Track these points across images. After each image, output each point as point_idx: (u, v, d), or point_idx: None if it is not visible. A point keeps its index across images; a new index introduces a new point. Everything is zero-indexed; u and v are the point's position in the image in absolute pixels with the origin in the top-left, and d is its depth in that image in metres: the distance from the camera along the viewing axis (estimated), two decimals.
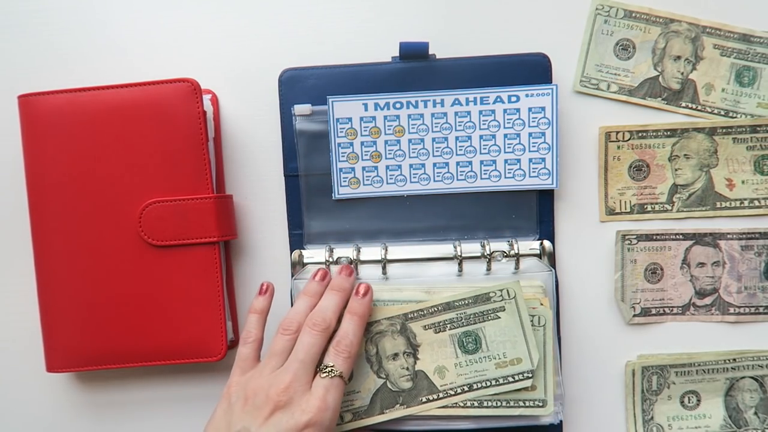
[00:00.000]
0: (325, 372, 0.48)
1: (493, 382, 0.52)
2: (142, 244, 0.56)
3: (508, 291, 0.53)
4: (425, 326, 0.53)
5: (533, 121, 0.56)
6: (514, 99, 0.56)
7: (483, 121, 0.56)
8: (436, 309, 0.53)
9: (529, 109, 0.56)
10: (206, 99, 0.57)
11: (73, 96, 0.56)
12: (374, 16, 0.59)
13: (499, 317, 0.53)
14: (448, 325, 0.53)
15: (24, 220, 0.57)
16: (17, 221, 0.60)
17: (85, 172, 0.56)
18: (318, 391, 0.47)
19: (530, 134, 0.56)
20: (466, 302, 0.53)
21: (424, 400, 0.52)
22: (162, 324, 0.56)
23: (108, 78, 0.58)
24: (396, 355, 0.53)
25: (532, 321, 0.53)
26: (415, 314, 0.53)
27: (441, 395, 0.52)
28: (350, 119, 0.57)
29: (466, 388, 0.52)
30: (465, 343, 0.53)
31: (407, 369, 0.53)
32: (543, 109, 0.56)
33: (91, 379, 0.61)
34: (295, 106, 0.57)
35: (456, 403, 0.53)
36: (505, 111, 0.56)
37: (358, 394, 0.52)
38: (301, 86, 0.58)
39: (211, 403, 0.60)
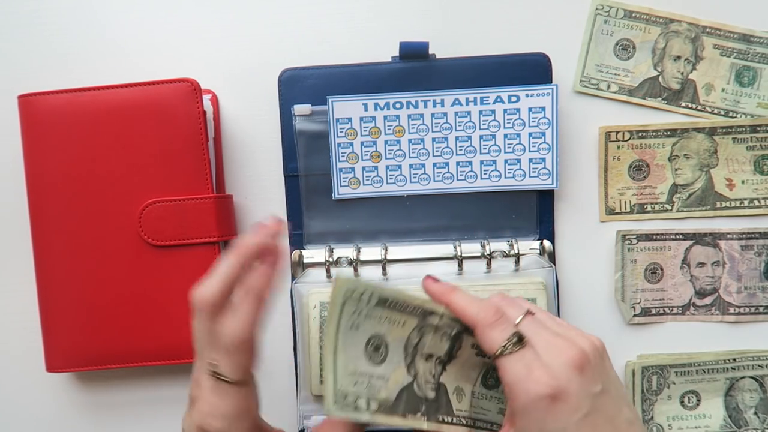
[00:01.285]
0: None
1: (490, 426, 0.48)
2: (142, 244, 0.56)
3: None
4: (473, 345, 0.47)
5: (533, 121, 0.56)
6: (514, 99, 0.56)
7: (483, 121, 0.56)
8: None
9: (529, 109, 0.56)
10: (206, 99, 0.57)
11: (73, 96, 0.56)
12: (374, 16, 0.59)
13: None
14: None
15: (24, 220, 0.57)
16: (17, 221, 0.60)
17: (85, 172, 0.56)
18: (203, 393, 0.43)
19: (530, 134, 0.56)
20: None
21: (440, 418, 0.46)
22: (162, 324, 0.56)
23: (108, 78, 0.58)
24: (430, 356, 0.46)
25: None
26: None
27: (454, 420, 0.47)
28: (350, 119, 0.57)
29: (470, 422, 0.47)
30: (488, 377, 0.47)
31: (433, 377, 0.47)
32: (543, 109, 0.56)
33: (91, 379, 0.61)
34: (295, 106, 0.57)
35: None
36: (505, 111, 0.56)
37: (385, 383, 0.45)
38: (301, 86, 0.58)
39: None
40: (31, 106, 0.56)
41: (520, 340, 0.40)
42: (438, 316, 0.44)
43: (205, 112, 0.56)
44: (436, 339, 0.45)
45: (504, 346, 0.39)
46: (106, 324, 0.56)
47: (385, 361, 0.44)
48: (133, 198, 0.56)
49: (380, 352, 0.43)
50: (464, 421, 0.46)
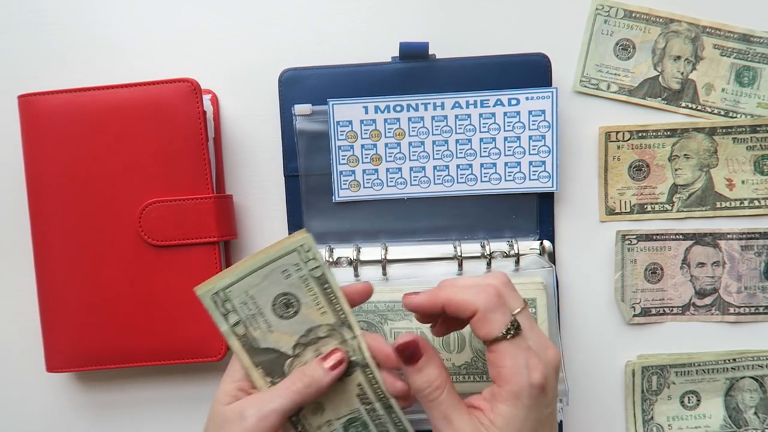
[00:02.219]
0: None
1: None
2: (142, 244, 0.56)
3: None
4: (359, 384, 0.46)
5: (533, 124, 0.56)
6: (514, 102, 0.56)
7: (483, 123, 0.56)
8: None
9: (530, 112, 0.56)
10: (206, 99, 0.57)
11: (73, 96, 0.56)
12: (374, 16, 0.59)
13: None
14: None
15: (24, 220, 0.57)
16: (17, 221, 0.60)
17: (85, 172, 0.56)
18: None
19: (530, 137, 0.56)
20: None
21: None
22: (162, 324, 0.56)
23: (108, 78, 0.58)
24: (320, 355, 0.46)
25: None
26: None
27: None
28: (350, 122, 0.57)
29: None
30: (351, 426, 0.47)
31: None
32: (543, 112, 0.56)
33: (91, 379, 0.61)
34: (296, 106, 0.57)
35: None
36: (505, 114, 0.56)
37: (268, 331, 0.45)
38: (301, 86, 0.58)
39: (210, 403, 0.61)
40: (31, 106, 0.56)
41: (517, 328, 0.41)
42: (352, 335, 0.45)
43: (205, 112, 0.56)
44: (336, 343, 0.46)
45: (508, 330, 0.40)
46: (106, 324, 0.56)
47: (285, 320, 0.45)
48: (133, 198, 0.56)
49: (288, 311, 0.45)
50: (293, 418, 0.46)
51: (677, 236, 0.59)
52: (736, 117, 0.58)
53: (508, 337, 0.40)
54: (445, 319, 0.46)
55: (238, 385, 0.44)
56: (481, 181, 0.57)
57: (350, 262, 0.56)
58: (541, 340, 0.42)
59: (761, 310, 0.59)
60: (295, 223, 0.58)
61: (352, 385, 0.45)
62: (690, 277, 0.59)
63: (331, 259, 0.57)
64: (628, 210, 0.59)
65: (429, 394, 0.41)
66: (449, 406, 0.41)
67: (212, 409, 0.44)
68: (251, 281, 0.43)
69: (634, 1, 0.58)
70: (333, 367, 0.43)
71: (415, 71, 0.57)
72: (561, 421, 0.56)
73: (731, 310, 0.59)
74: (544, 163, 0.57)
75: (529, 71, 0.56)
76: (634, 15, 0.58)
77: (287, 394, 0.42)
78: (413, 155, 0.57)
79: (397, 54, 0.57)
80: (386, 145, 0.57)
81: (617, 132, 0.58)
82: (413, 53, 0.57)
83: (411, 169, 0.57)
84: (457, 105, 0.56)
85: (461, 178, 0.57)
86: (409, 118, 0.57)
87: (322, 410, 0.46)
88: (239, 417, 0.42)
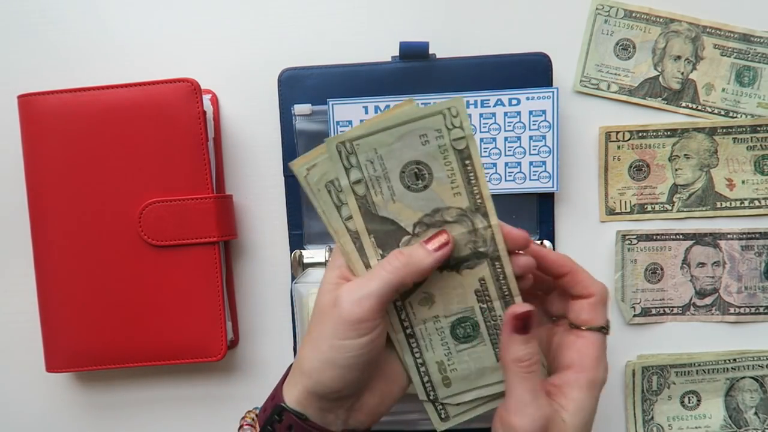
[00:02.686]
0: None
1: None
2: (142, 244, 0.56)
3: None
4: (481, 279, 0.42)
5: (534, 125, 0.56)
6: (514, 102, 0.56)
7: (483, 124, 0.56)
8: None
9: (530, 113, 0.56)
10: (206, 99, 0.57)
11: (73, 96, 0.56)
12: (374, 16, 0.59)
13: None
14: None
15: (24, 220, 0.57)
16: (17, 221, 0.60)
17: (85, 172, 0.56)
18: None
19: (531, 137, 0.56)
20: None
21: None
22: (162, 324, 0.56)
23: (108, 78, 0.58)
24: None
25: None
26: None
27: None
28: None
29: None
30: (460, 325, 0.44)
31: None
32: (544, 112, 0.56)
33: (91, 379, 0.61)
34: (295, 106, 0.57)
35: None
36: (505, 114, 0.56)
37: (399, 207, 0.40)
38: (301, 86, 0.57)
39: (211, 403, 0.61)
40: (31, 106, 0.56)
41: (609, 328, 0.43)
42: (485, 224, 0.40)
43: (205, 112, 0.56)
44: (463, 238, 0.41)
45: (607, 325, 0.42)
46: (106, 324, 0.56)
47: (411, 192, 0.40)
48: (133, 198, 0.56)
49: (418, 183, 0.39)
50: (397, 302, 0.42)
51: (677, 236, 0.59)
52: (736, 117, 0.58)
53: (603, 331, 0.42)
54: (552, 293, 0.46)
55: (338, 272, 0.42)
56: None
57: None
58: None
59: (761, 310, 0.59)
60: (295, 223, 0.58)
61: (473, 280, 0.41)
62: (690, 277, 0.59)
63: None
64: (629, 210, 0.59)
65: (529, 365, 0.40)
66: (538, 381, 0.40)
67: (316, 302, 0.42)
68: (382, 139, 0.38)
69: (634, 1, 0.58)
70: (437, 249, 0.40)
71: (415, 71, 0.57)
72: None
73: (731, 310, 0.59)
74: (544, 163, 0.57)
75: (530, 71, 0.56)
76: (634, 15, 0.58)
77: (382, 275, 0.39)
78: None
79: (397, 54, 0.57)
80: None
81: (617, 132, 0.58)
82: (413, 53, 0.57)
83: None
84: None
85: None
86: None
87: (431, 303, 0.42)
88: (333, 305, 0.40)
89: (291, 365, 0.44)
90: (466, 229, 0.40)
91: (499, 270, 0.41)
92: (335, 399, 0.41)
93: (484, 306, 0.42)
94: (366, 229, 0.40)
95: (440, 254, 0.40)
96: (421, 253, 0.40)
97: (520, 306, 0.41)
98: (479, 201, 0.40)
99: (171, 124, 0.55)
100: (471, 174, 0.39)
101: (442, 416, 0.45)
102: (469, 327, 0.42)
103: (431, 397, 0.44)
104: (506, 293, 0.42)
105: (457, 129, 0.38)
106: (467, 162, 0.39)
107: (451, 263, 0.41)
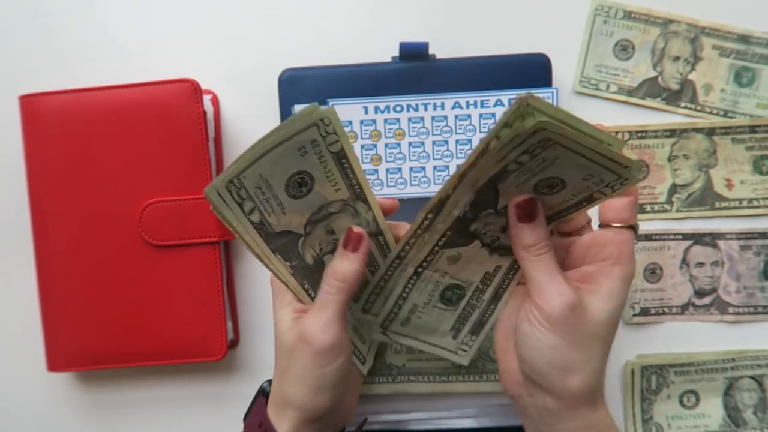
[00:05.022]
0: None
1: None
2: (142, 244, 0.56)
3: None
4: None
5: None
6: None
7: (483, 124, 0.56)
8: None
9: None
10: (206, 99, 0.57)
11: (74, 96, 0.56)
12: (374, 16, 0.59)
13: None
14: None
15: (24, 220, 0.57)
16: (18, 221, 0.59)
17: (85, 172, 0.56)
18: None
19: None
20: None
21: (303, 284, 0.45)
22: (162, 324, 0.56)
23: (108, 78, 0.58)
24: (332, 233, 0.45)
25: None
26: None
27: (310, 291, 0.46)
28: (350, 122, 0.57)
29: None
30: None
31: (320, 250, 0.46)
32: None
33: (91, 379, 0.61)
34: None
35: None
36: None
37: (280, 213, 0.43)
38: (301, 86, 0.57)
39: (211, 403, 0.61)
40: (31, 107, 0.56)
41: (637, 230, 0.43)
42: (366, 207, 0.44)
43: (205, 112, 0.56)
44: (348, 223, 0.44)
45: (638, 226, 0.43)
46: (106, 324, 0.56)
47: (297, 199, 0.42)
48: (133, 198, 0.56)
49: (302, 190, 0.42)
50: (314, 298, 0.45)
51: (676, 236, 0.59)
52: (735, 117, 0.59)
53: (635, 231, 0.42)
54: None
55: (291, 308, 0.44)
56: None
57: None
58: None
59: (760, 309, 0.59)
60: None
61: (491, 264, 0.45)
62: (689, 276, 0.59)
63: None
64: None
65: (540, 248, 0.41)
66: (554, 263, 0.41)
67: (277, 340, 0.45)
68: (265, 163, 0.40)
69: (633, 1, 0.58)
70: (353, 247, 0.43)
71: (415, 71, 0.57)
72: None
73: (730, 309, 0.59)
74: None
75: (530, 71, 0.57)
76: (633, 15, 0.58)
77: (330, 300, 0.42)
78: (413, 155, 0.57)
79: (397, 54, 0.57)
80: (386, 145, 0.57)
81: (617, 132, 0.58)
82: (413, 53, 0.57)
83: (411, 169, 0.57)
84: (457, 105, 0.56)
85: None
86: (409, 119, 0.57)
87: (455, 262, 0.45)
88: (303, 341, 0.42)
89: (259, 398, 0.47)
90: (350, 214, 0.44)
91: (382, 242, 0.46)
92: (329, 415, 0.44)
93: (481, 287, 0.45)
94: (270, 250, 0.43)
95: (361, 251, 0.43)
96: (345, 265, 0.43)
97: (521, 195, 0.41)
98: (358, 190, 0.43)
99: (171, 125, 0.55)
100: (348, 170, 0.42)
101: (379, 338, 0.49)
102: (456, 295, 0.46)
103: (384, 324, 0.48)
104: (501, 289, 0.45)
105: (331, 135, 0.40)
106: (343, 160, 0.42)
107: (490, 242, 0.44)
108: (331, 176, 0.42)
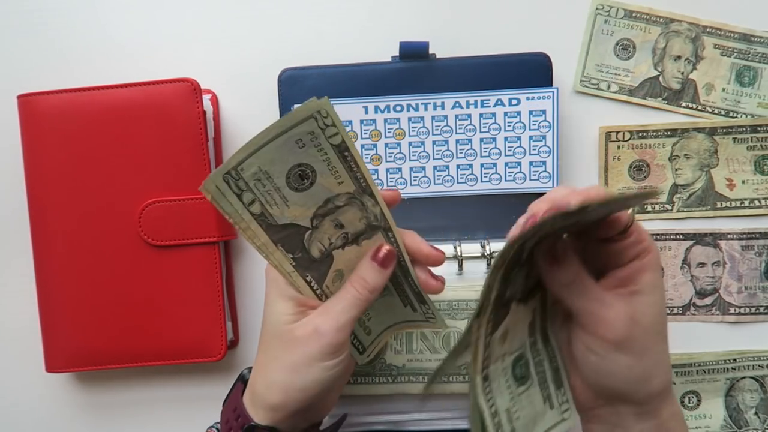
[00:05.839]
0: None
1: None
2: (142, 244, 0.56)
3: None
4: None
5: (534, 125, 0.56)
6: (514, 102, 0.56)
7: (483, 124, 0.56)
8: None
9: (530, 112, 0.56)
10: (206, 99, 0.57)
11: (73, 96, 0.56)
12: (374, 16, 0.59)
13: None
14: None
15: (23, 220, 0.57)
16: (17, 221, 0.59)
17: (85, 172, 0.56)
18: None
19: (531, 137, 0.56)
20: None
21: (306, 276, 0.45)
22: (162, 324, 0.56)
23: (108, 78, 0.58)
24: (340, 226, 0.45)
25: None
26: None
27: (315, 287, 0.46)
28: (350, 122, 0.57)
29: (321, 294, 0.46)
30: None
31: (329, 244, 0.45)
32: (544, 112, 0.56)
33: (91, 379, 0.61)
34: (295, 106, 0.57)
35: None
36: (505, 114, 0.56)
37: (284, 205, 0.42)
38: (301, 86, 0.57)
39: (211, 403, 0.60)
40: (30, 106, 0.56)
41: None
42: (373, 202, 0.43)
43: (205, 112, 0.56)
44: (356, 216, 0.44)
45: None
46: (106, 324, 0.56)
47: (300, 192, 0.42)
48: (133, 198, 0.56)
49: (304, 182, 0.42)
50: (317, 290, 0.45)
51: (677, 236, 0.59)
52: (736, 117, 0.58)
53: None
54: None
55: (295, 301, 0.44)
56: (482, 182, 0.57)
57: None
58: None
59: (762, 310, 0.59)
60: None
61: (527, 312, 0.42)
62: (690, 277, 0.59)
63: None
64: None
65: (580, 282, 0.40)
66: (595, 286, 0.40)
67: (272, 330, 0.44)
68: (262, 155, 0.40)
69: (634, 0, 0.58)
70: (383, 263, 0.44)
71: (415, 71, 0.57)
72: None
73: (732, 310, 0.59)
74: (544, 163, 0.57)
75: (530, 71, 0.56)
76: (634, 15, 0.58)
77: (357, 303, 0.43)
78: (413, 155, 0.57)
79: (397, 54, 0.57)
80: (386, 145, 0.57)
81: (617, 132, 0.58)
82: (413, 53, 0.57)
83: (411, 169, 0.57)
84: (457, 105, 0.56)
85: (461, 178, 0.57)
86: (409, 118, 0.57)
87: (505, 338, 0.40)
88: (314, 333, 0.42)
89: (239, 383, 0.48)
90: (358, 208, 0.43)
91: (392, 239, 0.45)
92: (308, 409, 0.44)
93: (532, 339, 0.42)
94: (272, 241, 0.42)
95: (390, 268, 0.44)
96: (378, 278, 0.44)
97: (545, 243, 0.41)
98: (364, 184, 0.42)
99: (171, 124, 0.55)
100: (351, 163, 0.41)
101: None
102: (524, 366, 0.42)
103: None
104: (545, 327, 0.43)
105: (330, 127, 0.40)
106: (346, 153, 0.41)
107: (521, 295, 0.41)
108: (333, 169, 0.41)
